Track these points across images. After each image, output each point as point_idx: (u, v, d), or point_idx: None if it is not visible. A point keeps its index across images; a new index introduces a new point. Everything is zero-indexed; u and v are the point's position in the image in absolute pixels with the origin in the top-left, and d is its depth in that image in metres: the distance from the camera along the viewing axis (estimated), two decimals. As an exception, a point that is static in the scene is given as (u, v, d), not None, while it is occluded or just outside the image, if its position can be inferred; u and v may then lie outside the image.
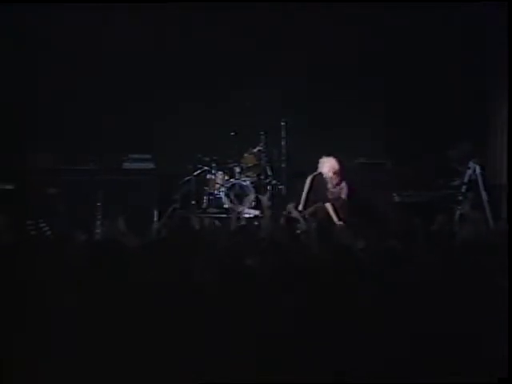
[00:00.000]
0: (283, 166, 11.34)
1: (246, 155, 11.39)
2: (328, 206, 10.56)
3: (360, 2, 11.97)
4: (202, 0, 11.88)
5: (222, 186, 11.13)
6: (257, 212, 10.95)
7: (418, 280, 4.55)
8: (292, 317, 4.21)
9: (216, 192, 11.11)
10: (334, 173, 10.81)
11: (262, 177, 11.22)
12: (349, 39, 12.15)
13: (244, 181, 11.19)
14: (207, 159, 11.18)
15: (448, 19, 11.99)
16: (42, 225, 10.07)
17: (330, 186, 10.74)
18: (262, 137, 11.25)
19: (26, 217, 10.23)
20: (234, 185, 11.16)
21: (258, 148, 11.30)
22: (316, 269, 4.71)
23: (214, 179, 11.14)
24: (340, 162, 10.86)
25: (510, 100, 11.23)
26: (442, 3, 11.77)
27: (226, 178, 11.17)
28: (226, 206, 11.03)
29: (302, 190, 11.27)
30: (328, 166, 10.75)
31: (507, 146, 11.19)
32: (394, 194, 11.03)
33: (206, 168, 11.17)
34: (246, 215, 10.71)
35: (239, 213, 10.76)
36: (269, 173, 11.22)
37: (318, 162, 11.78)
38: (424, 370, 4.00)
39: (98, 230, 10.26)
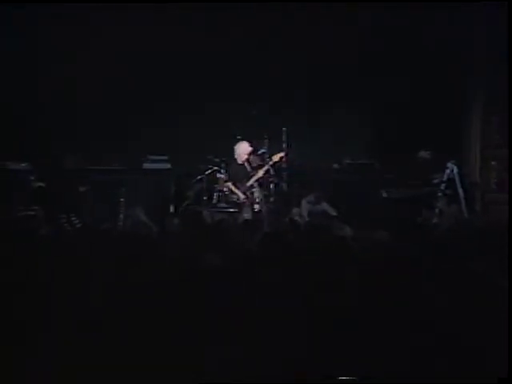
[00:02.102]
0: (284, 166, 11.40)
1: (251, 157, 11.47)
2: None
3: (360, 1, 11.39)
4: (204, 0, 11.35)
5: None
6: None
7: (405, 269, 4.54)
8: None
9: (225, 189, 11.19)
10: (248, 155, 11.10)
11: (266, 176, 11.27)
12: (343, 42, 11.74)
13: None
14: (217, 160, 11.22)
15: (448, 19, 11.33)
16: (73, 218, 10.21)
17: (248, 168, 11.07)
18: (266, 141, 11.31)
19: (59, 211, 10.37)
20: (240, 183, 11.25)
21: (262, 150, 11.37)
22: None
23: (223, 178, 11.20)
24: (252, 145, 11.13)
25: (510, 100, 10.78)
26: (442, 3, 11.07)
27: (234, 176, 11.24)
28: (233, 201, 11.12)
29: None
30: (240, 148, 11.11)
31: (508, 147, 10.87)
32: (382, 191, 11.10)
33: (216, 168, 11.22)
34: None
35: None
36: (271, 172, 11.28)
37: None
38: (423, 370, 3.79)
39: (120, 223, 10.38)
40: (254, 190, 10.99)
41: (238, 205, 10.89)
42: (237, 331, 3.94)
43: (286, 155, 11.05)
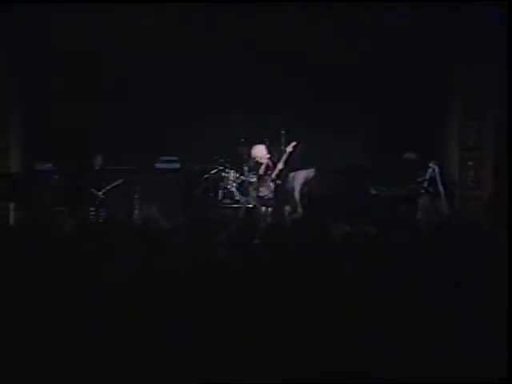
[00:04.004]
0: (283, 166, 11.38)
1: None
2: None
3: (359, 1, 10.71)
4: (204, 0, 10.74)
5: (234, 182, 11.22)
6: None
7: (393, 259, 4.47)
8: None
9: (229, 187, 11.21)
10: (263, 157, 11.10)
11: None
12: (338, 42, 11.22)
13: (252, 178, 11.27)
14: (222, 160, 11.27)
15: (448, 19, 10.69)
16: (93, 214, 10.28)
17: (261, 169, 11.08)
18: (267, 143, 11.31)
19: (80, 208, 10.44)
20: (243, 181, 11.26)
21: (263, 152, 11.39)
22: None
23: (228, 177, 11.23)
24: (268, 147, 11.08)
25: (510, 101, 10.37)
26: (442, 3, 10.37)
27: (237, 175, 11.26)
28: (236, 198, 11.14)
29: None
30: (256, 151, 11.08)
31: (507, 149, 10.52)
32: (372, 189, 11.14)
33: (221, 167, 11.26)
34: (251, 205, 10.89)
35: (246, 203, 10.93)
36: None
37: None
38: (423, 370, 3.51)
39: (136, 218, 10.44)
40: (277, 183, 10.97)
41: (262, 200, 10.90)
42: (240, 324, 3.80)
43: (298, 143, 10.94)
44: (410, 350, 3.58)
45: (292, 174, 11.26)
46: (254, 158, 11.16)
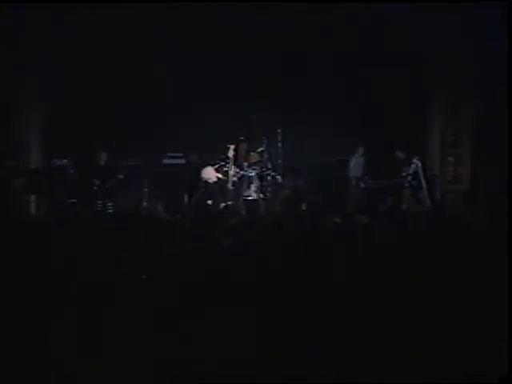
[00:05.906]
0: (279, 161, 11.40)
1: (252, 154, 11.48)
2: None
3: (360, 2, 10.41)
4: (206, 0, 10.51)
5: (235, 176, 11.22)
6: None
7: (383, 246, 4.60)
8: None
9: (230, 181, 11.20)
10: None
11: (264, 169, 11.29)
12: (337, 43, 11.06)
13: (251, 172, 11.28)
14: (224, 156, 11.27)
15: (448, 19, 10.45)
16: (105, 205, 10.30)
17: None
18: (264, 140, 11.32)
19: (93, 200, 10.45)
20: (243, 175, 11.27)
21: (261, 149, 11.41)
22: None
23: (229, 171, 11.22)
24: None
25: (510, 101, 10.11)
26: (442, 3, 10.09)
27: (238, 170, 11.26)
28: (237, 191, 11.13)
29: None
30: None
31: (507, 148, 10.26)
32: (361, 182, 11.18)
33: (222, 163, 11.26)
34: (250, 198, 10.89)
35: (246, 196, 10.93)
36: (269, 167, 11.30)
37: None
38: (422, 370, 3.35)
39: (144, 209, 10.44)
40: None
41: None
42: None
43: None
44: (409, 349, 3.43)
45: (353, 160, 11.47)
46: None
